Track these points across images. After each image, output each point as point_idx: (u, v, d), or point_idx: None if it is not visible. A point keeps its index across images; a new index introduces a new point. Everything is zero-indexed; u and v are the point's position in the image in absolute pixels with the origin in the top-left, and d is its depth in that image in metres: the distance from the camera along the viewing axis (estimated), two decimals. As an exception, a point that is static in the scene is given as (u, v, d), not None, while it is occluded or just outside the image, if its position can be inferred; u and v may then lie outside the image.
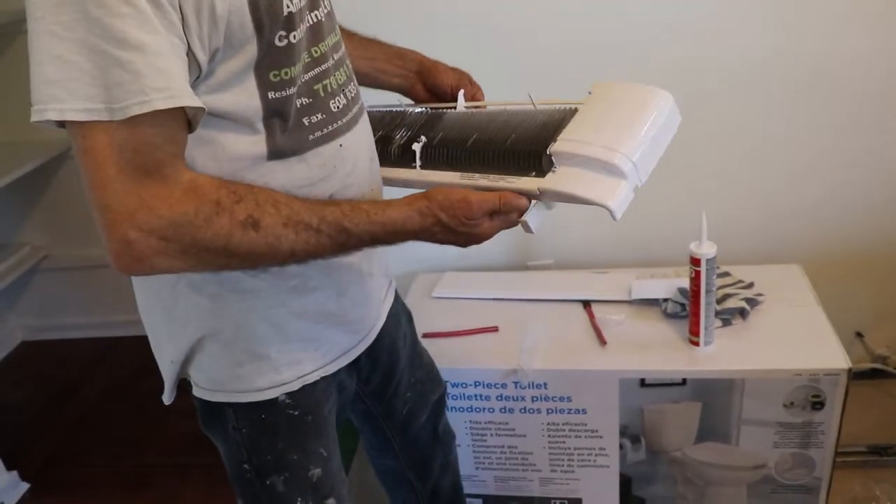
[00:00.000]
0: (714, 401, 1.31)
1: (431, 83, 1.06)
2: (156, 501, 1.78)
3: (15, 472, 1.85)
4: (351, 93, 0.86)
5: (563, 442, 1.41)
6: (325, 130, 0.81)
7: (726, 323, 1.38)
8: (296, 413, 0.90)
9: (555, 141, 0.84)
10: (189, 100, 0.65)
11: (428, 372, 1.21)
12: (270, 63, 0.73)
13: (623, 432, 1.38)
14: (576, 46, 1.50)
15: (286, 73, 0.75)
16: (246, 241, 0.69)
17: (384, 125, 1.02)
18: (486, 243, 0.87)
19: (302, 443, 0.92)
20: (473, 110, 1.01)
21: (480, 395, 1.40)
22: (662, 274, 1.51)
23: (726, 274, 1.50)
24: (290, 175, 0.79)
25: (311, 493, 0.93)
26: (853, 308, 1.71)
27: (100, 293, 2.48)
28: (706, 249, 1.26)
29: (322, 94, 0.81)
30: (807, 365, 1.26)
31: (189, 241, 0.67)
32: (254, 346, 0.86)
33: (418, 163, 0.95)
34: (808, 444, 1.32)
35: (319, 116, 0.81)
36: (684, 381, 1.31)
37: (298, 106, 0.78)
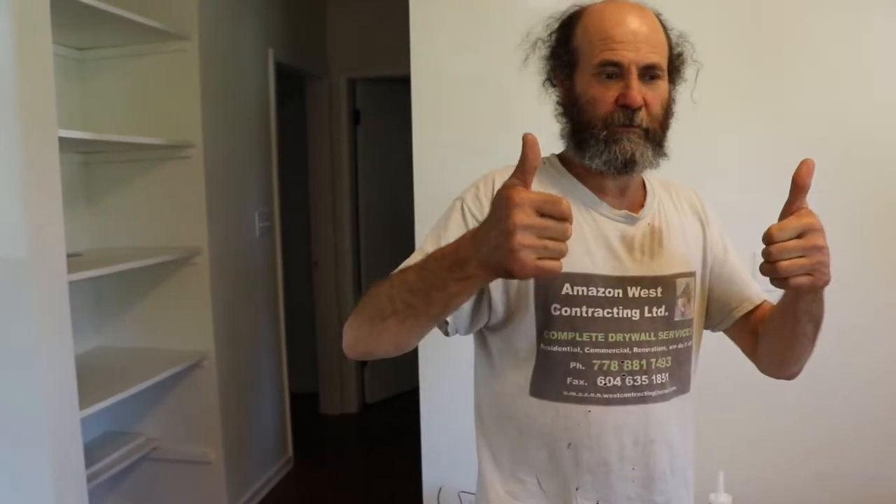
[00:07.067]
0: None
1: None
2: None
3: None
4: (637, 381, 0.98)
5: None
6: (582, 395, 0.97)
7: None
8: None
9: None
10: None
11: None
12: (546, 323, 0.96)
13: None
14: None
15: (553, 335, 0.96)
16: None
17: None
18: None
19: None
20: None
21: None
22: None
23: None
24: (543, 413, 0.99)
25: None
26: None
27: (196, 488, 2.72)
28: (723, 500, 1.46)
29: (595, 369, 0.97)
30: None
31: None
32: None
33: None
34: None
35: (582, 383, 0.97)
36: None
37: (570, 366, 0.97)
